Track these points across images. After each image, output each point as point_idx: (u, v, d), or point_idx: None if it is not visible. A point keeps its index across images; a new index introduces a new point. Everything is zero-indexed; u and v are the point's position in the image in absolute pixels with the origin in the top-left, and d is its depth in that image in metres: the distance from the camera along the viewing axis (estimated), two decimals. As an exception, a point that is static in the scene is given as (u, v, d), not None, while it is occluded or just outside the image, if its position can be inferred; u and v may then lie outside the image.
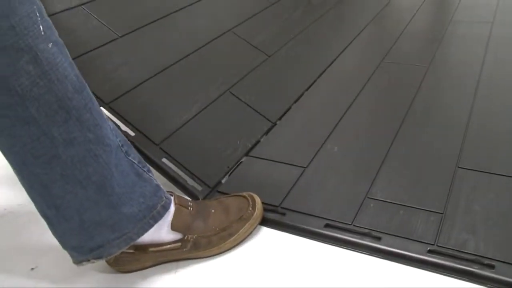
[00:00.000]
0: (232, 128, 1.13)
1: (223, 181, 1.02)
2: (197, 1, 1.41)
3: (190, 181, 0.98)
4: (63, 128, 0.67)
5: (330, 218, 0.89)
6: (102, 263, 0.84)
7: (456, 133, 1.10)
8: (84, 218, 0.72)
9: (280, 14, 1.61)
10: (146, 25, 1.23)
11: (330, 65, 1.47)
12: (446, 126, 1.13)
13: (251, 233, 0.88)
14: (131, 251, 0.80)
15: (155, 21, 1.26)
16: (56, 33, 0.67)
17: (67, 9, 1.12)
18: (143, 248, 0.81)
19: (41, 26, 0.63)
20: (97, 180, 0.71)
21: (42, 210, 0.73)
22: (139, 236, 0.77)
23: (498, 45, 1.52)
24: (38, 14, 0.63)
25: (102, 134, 0.71)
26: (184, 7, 1.36)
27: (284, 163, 1.05)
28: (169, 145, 1.01)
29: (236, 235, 0.85)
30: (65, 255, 0.85)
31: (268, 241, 0.88)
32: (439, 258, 0.80)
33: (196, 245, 0.83)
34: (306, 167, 1.03)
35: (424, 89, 1.30)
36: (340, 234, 0.86)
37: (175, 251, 0.82)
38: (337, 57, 1.52)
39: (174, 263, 0.84)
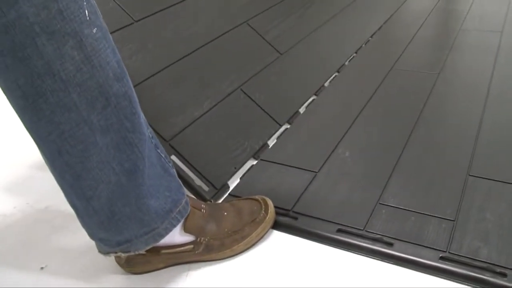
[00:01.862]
0: (241, 128, 1.13)
1: (229, 182, 1.02)
2: None
3: (197, 181, 0.98)
4: (102, 115, 0.66)
5: (342, 223, 0.89)
6: (113, 263, 0.84)
7: (467, 141, 1.11)
8: (114, 210, 0.72)
9: (295, 9, 1.61)
10: (161, 10, 1.21)
11: (340, 68, 1.48)
12: (457, 134, 1.14)
13: (263, 236, 0.88)
14: (143, 253, 0.80)
15: (171, 6, 1.24)
16: (101, 18, 0.66)
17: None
18: (156, 250, 0.81)
19: (86, 11, 0.62)
20: (130, 168, 0.70)
21: (72, 200, 0.72)
22: (167, 232, 0.77)
23: (507, 54, 1.52)
24: (84, 1, 0.62)
25: (138, 123, 0.70)
26: None
27: (296, 167, 1.05)
28: (178, 142, 1.01)
29: (248, 238, 0.86)
30: (74, 255, 0.85)
31: (280, 244, 0.88)
32: (451, 265, 0.80)
33: (208, 248, 0.83)
34: (317, 172, 1.03)
35: (435, 97, 1.30)
36: (353, 239, 0.86)
37: (187, 253, 0.82)
38: (347, 60, 1.53)
39: (186, 265, 0.84)
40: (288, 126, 1.21)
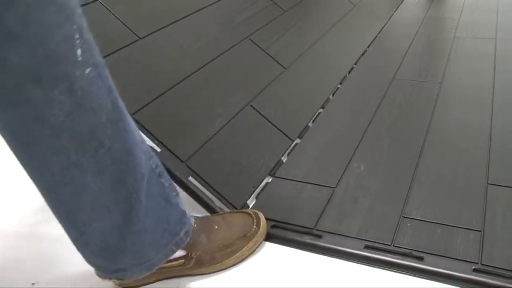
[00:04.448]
0: (255, 145, 1.11)
1: (248, 201, 0.99)
2: (212, 4, 1.39)
3: (217, 202, 0.95)
4: (94, 158, 0.64)
5: (369, 239, 0.87)
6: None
7: (480, 149, 1.10)
8: (108, 244, 0.71)
9: (292, 23, 1.60)
10: (165, 26, 1.19)
11: (342, 81, 1.47)
12: (469, 142, 1.13)
13: (254, 250, 0.87)
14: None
15: (174, 22, 1.23)
16: (97, 52, 0.62)
17: (84, 4, 1.08)
18: None
19: (79, 50, 0.59)
20: (125, 207, 0.69)
21: (67, 230, 0.72)
22: (161, 262, 0.77)
23: (505, 60, 1.54)
24: (77, 36, 0.58)
25: (134, 163, 0.68)
26: (200, 10, 1.34)
27: (312, 183, 1.03)
28: (194, 162, 0.99)
29: (239, 253, 0.84)
30: (65, 271, 0.86)
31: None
32: (486, 277, 0.78)
33: (199, 262, 0.82)
34: (335, 187, 1.02)
35: (441, 105, 1.30)
36: (382, 255, 0.84)
37: (178, 267, 0.82)
38: (349, 72, 1.53)
39: (176, 279, 0.83)
40: (299, 141, 1.19)
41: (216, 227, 0.85)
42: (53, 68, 0.57)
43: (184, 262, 0.81)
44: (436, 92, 1.37)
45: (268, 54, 1.39)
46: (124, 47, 1.08)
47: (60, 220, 0.71)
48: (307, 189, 1.02)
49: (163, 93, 1.06)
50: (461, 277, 0.79)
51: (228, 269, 0.84)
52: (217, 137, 1.07)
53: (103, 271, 0.77)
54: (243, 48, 1.35)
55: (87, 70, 0.60)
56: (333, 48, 1.62)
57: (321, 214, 0.94)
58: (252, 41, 1.40)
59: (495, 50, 1.62)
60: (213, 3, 1.40)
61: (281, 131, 1.19)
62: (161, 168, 0.75)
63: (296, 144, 1.18)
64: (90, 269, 0.79)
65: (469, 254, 0.83)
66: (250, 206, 0.99)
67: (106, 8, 1.12)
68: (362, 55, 1.66)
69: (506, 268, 0.79)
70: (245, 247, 0.85)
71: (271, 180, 1.06)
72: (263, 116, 1.20)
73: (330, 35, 1.68)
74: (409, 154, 1.10)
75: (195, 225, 0.82)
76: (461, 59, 1.58)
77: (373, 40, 1.79)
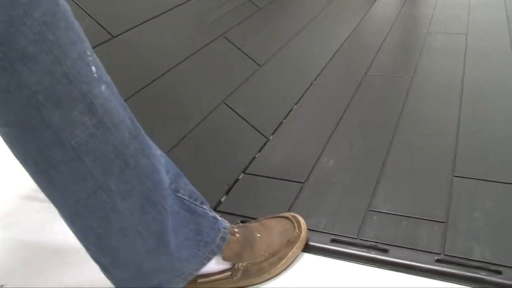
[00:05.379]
0: (229, 143, 1.12)
1: (222, 199, 1.00)
2: (187, 1, 1.38)
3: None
4: (120, 179, 0.60)
5: (335, 233, 0.89)
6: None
7: (447, 142, 1.12)
8: (142, 268, 0.68)
9: (267, 21, 1.61)
10: (139, 24, 1.19)
11: (316, 77, 1.49)
12: (437, 135, 1.15)
13: (298, 255, 0.85)
14: None
15: (148, 20, 1.22)
16: (104, 71, 0.59)
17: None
18: (192, 280, 0.76)
19: (93, 67, 0.56)
20: (157, 229, 0.66)
21: (97, 258, 0.67)
22: (197, 271, 0.74)
23: (475, 55, 1.57)
24: (89, 53, 0.56)
25: (159, 179, 0.65)
26: (173, 8, 1.33)
27: (282, 179, 1.04)
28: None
29: (285, 259, 0.82)
30: (36, 271, 0.82)
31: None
32: (447, 267, 0.80)
33: (246, 273, 0.79)
34: (304, 182, 1.03)
35: (411, 100, 1.32)
36: (347, 248, 0.85)
37: (225, 280, 0.78)
38: (323, 68, 1.54)
39: None
40: (271, 138, 1.20)
41: (259, 235, 0.83)
42: (71, 88, 0.54)
43: (231, 275, 0.78)
44: (407, 87, 1.39)
45: (242, 51, 1.40)
46: (97, 45, 1.07)
47: (90, 248, 0.66)
48: (277, 185, 1.03)
49: (136, 92, 1.06)
50: (424, 267, 0.80)
51: (276, 277, 0.82)
52: (191, 135, 1.07)
53: None
54: (218, 46, 1.35)
55: (103, 88, 0.58)
56: (308, 45, 1.64)
57: (289, 209, 0.95)
58: (226, 38, 1.40)
59: (466, 45, 1.65)
60: (188, 1, 1.40)
61: (255, 128, 1.20)
62: (175, 181, 0.71)
63: (268, 140, 1.19)
64: (65, 269, 0.76)
65: (433, 245, 0.84)
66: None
67: (79, 6, 1.11)
68: (337, 51, 1.68)
69: (467, 258, 0.81)
70: (290, 253, 0.83)
71: (242, 177, 1.07)
72: (237, 114, 1.20)
73: (306, 32, 1.69)
74: (378, 149, 1.12)
75: (237, 235, 0.79)
76: (433, 55, 1.60)
77: (348, 36, 1.80)
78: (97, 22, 1.11)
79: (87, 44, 0.57)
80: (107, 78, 0.60)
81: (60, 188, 0.59)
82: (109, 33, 1.11)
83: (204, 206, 0.74)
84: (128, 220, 0.63)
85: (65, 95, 0.54)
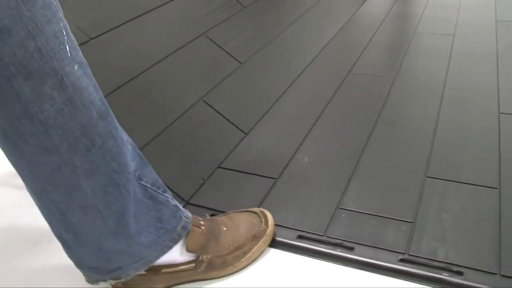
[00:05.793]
0: (207, 139, 1.12)
1: (196, 193, 1.00)
2: (169, 1, 1.38)
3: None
4: (85, 157, 0.62)
5: (302, 230, 0.89)
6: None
7: (423, 143, 1.13)
8: (102, 247, 0.70)
9: (252, 19, 1.61)
10: (118, 26, 1.19)
11: (300, 74, 1.48)
12: (414, 136, 1.16)
13: (263, 250, 0.86)
14: (142, 272, 0.76)
15: (128, 21, 1.22)
16: (80, 53, 0.62)
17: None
18: (155, 270, 0.77)
19: (67, 46, 0.58)
20: (117, 210, 0.67)
21: (59, 233, 0.70)
22: (157, 259, 0.75)
23: (460, 57, 1.57)
24: (64, 33, 0.58)
25: (124, 162, 0.66)
26: (155, 8, 1.33)
27: (255, 174, 1.05)
28: (144, 155, 0.99)
29: (250, 254, 0.83)
30: (8, 257, 0.83)
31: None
32: (410, 267, 0.80)
33: (210, 265, 0.80)
34: (277, 178, 1.03)
35: (392, 100, 1.33)
36: (313, 245, 0.86)
37: (189, 271, 0.79)
38: (307, 66, 1.54)
39: (186, 285, 0.81)
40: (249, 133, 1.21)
41: (225, 228, 0.83)
42: (43, 63, 0.56)
43: (195, 266, 0.79)
44: (389, 87, 1.39)
45: (224, 50, 1.40)
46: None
47: (53, 223, 0.69)
48: (250, 179, 1.03)
49: (113, 91, 1.06)
50: (387, 266, 0.81)
51: (240, 271, 0.83)
52: (168, 131, 1.07)
53: (97, 273, 0.74)
54: (199, 45, 1.35)
55: (76, 67, 0.59)
56: (293, 43, 1.63)
57: (260, 205, 0.96)
58: (208, 37, 1.40)
59: (452, 46, 1.65)
60: (171, 1, 1.39)
61: (233, 124, 1.20)
62: (139, 169, 0.72)
63: (246, 135, 1.19)
64: (37, 257, 0.76)
65: (398, 245, 0.85)
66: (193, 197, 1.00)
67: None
68: (322, 50, 1.68)
69: (430, 258, 0.82)
70: (256, 247, 0.84)
71: (216, 171, 1.07)
72: (216, 111, 1.20)
73: (291, 30, 1.69)
74: (354, 147, 1.12)
75: (203, 228, 0.80)
76: (418, 55, 1.61)
77: (335, 34, 1.80)
78: (75, 25, 1.11)
79: (64, 24, 0.59)
80: (82, 59, 0.62)
81: (27, 160, 0.61)
82: (86, 35, 1.11)
83: (166, 194, 0.75)
84: (90, 198, 0.65)
85: (37, 69, 0.55)
